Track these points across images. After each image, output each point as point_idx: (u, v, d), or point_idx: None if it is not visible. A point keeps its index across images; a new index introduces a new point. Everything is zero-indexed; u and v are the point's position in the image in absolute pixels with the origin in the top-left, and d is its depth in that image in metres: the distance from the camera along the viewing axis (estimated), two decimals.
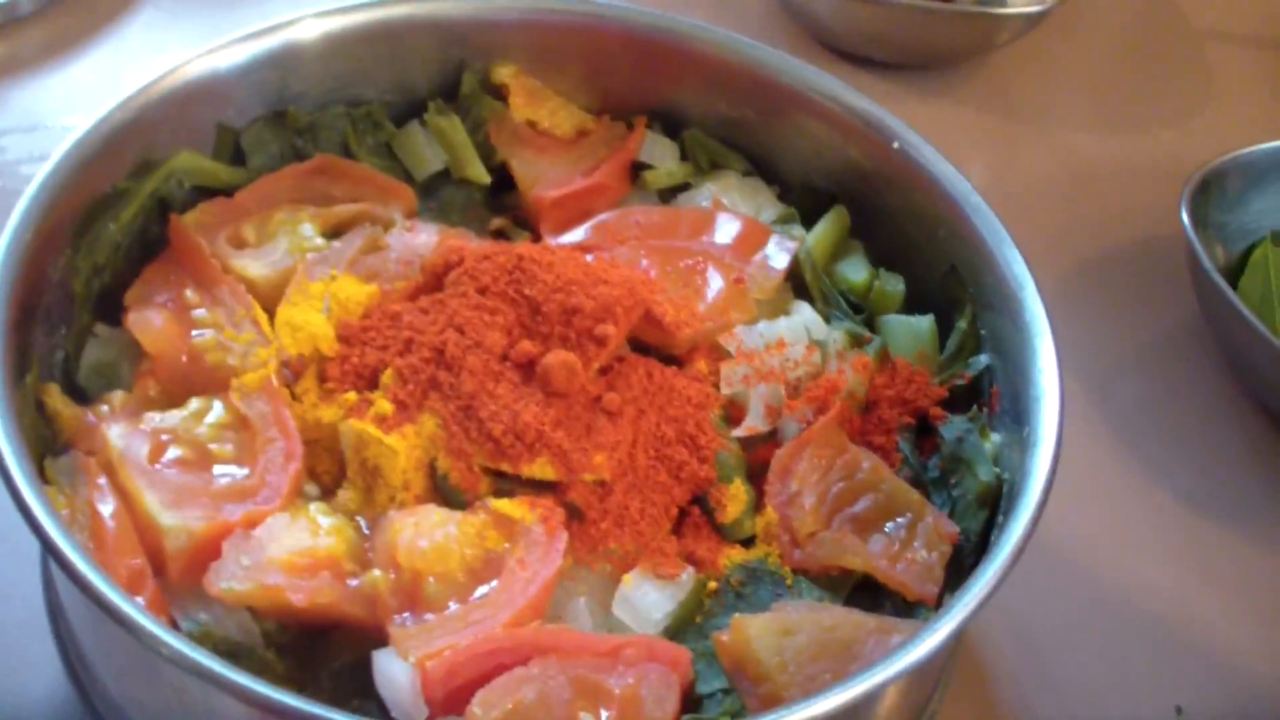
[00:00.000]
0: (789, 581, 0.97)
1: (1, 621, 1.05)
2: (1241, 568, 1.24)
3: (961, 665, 1.10)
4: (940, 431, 1.04)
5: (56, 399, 0.97)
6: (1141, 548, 1.25)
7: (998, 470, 1.00)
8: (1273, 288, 1.35)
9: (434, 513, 0.93)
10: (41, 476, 0.93)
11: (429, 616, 0.89)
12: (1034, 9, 1.62)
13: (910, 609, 0.96)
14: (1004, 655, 1.14)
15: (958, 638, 1.06)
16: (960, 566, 0.97)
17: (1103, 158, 1.63)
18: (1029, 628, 1.16)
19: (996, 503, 0.99)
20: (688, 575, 0.96)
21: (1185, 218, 1.34)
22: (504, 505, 0.95)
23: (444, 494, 0.96)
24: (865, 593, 0.97)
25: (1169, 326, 1.45)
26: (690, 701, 0.90)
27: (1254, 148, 1.43)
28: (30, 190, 0.97)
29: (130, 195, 1.06)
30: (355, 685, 0.89)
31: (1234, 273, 1.39)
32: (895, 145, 1.14)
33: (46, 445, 0.96)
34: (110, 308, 1.05)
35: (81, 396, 1.01)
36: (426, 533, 0.91)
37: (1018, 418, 1.00)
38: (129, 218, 1.06)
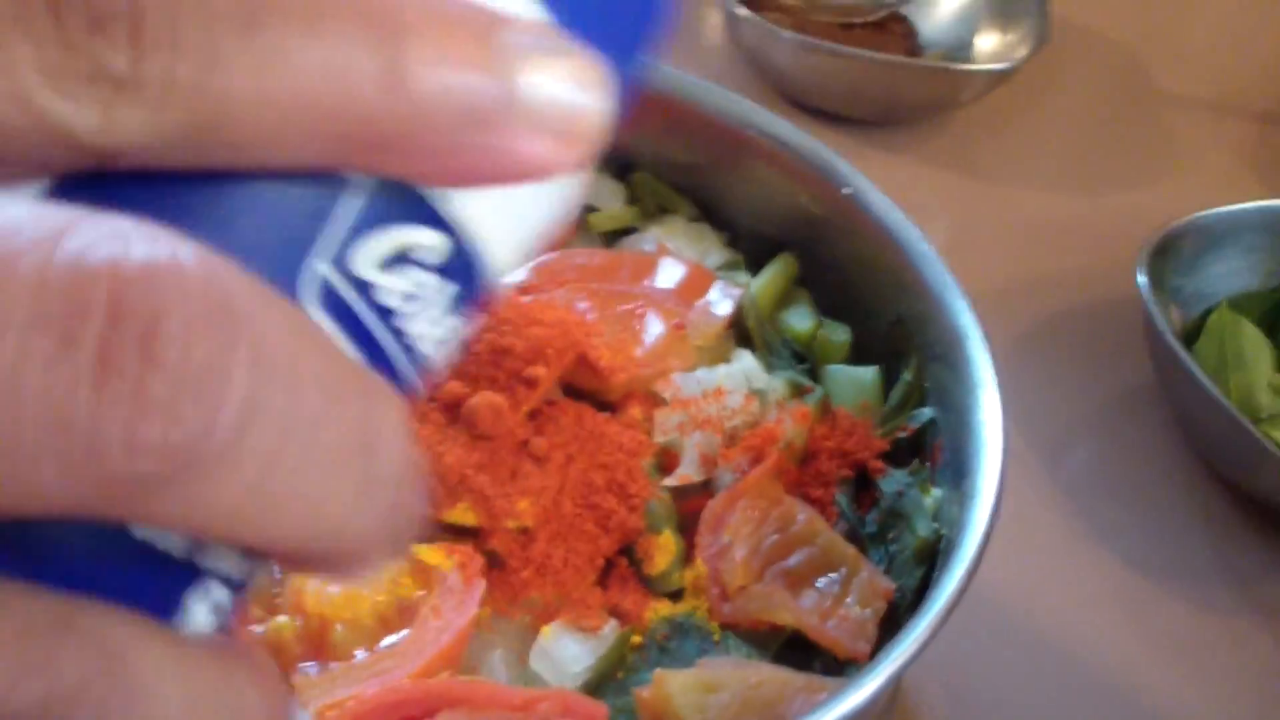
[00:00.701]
0: (716, 637, 0.93)
1: None
2: (1188, 632, 1.21)
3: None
4: (879, 485, 1.01)
5: None
6: (1088, 611, 1.22)
7: (936, 526, 0.97)
8: (1227, 353, 1.33)
9: None
10: None
11: (334, 665, 0.85)
12: (999, 66, 1.60)
13: (841, 668, 0.92)
14: (940, 714, 1.11)
15: (891, 695, 1.03)
16: (895, 624, 0.93)
17: (1062, 218, 1.61)
18: (969, 690, 1.13)
19: (934, 559, 0.96)
20: (610, 628, 0.93)
21: (1142, 280, 1.32)
22: (421, 551, 0.91)
23: None
24: (795, 650, 0.94)
25: (1123, 389, 1.43)
26: None
27: (1211, 211, 1.41)
28: None
29: None
30: None
31: (1190, 337, 1.37)
32: (845, 191, 1.12)
33: None
34: None
35: None
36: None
37: (959, 471, 0.97)
38: None
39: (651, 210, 1.20)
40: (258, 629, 0.87)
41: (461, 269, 0.33)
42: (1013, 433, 1.34)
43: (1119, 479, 1.35)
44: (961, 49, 1.69)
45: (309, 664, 0.85)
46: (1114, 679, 1.17)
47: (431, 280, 0.32)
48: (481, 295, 0.34)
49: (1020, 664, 1.17)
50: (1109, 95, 1.85)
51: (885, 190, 1.12)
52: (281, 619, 0.86)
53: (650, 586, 0.97)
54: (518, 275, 1.12)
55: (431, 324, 0.32)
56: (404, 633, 0.87)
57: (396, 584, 0.89)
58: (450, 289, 0.33)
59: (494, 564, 0.93)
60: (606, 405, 1.05)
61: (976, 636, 1.18)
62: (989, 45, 1.69)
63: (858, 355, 1.12)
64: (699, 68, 1.68)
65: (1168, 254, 1.38)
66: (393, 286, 0.31)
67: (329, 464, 0.29)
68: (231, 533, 0.28)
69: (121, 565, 0.30)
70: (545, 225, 0.35)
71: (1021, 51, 1.62)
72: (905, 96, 1.62)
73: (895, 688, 1.05)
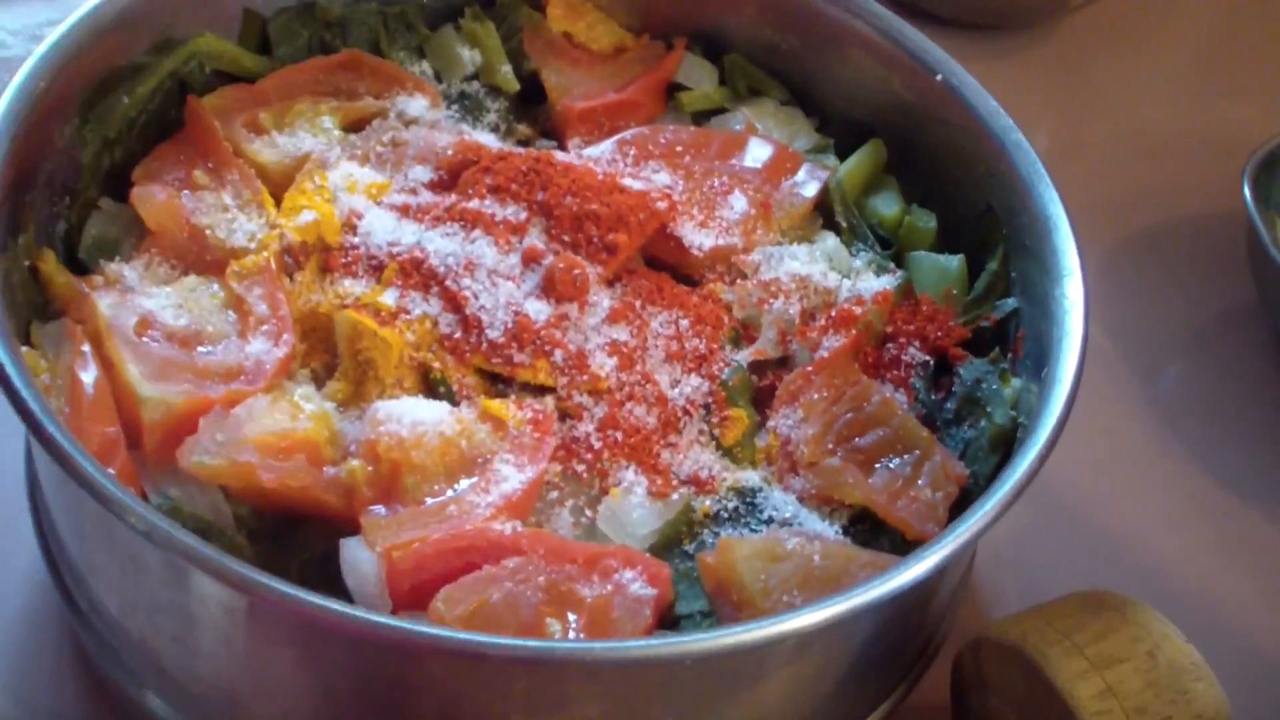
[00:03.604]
0: (785, 510, 0.93)
1: None
2: (1271, 549, 1.20)
3: (967, 623, 1.06)
4: (959, 372, 1.00)
5: (51, 265, 0.95)
6: (1169, 521, 1.21)
7: (1014, 414, 0.96)
8: None
9: (420, 406, 0.90)
10: (27, 340, 0.91)
11: (402, 509, 0.86)
12: None
13: (909, 549, 0.91)
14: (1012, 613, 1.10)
15: (960, 584, 1.02)
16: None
17: (1168, 130, 1.57)
18: (1041, 589, 1.11)
19: (1010, 448, 0.95)
20: (679, 495, 0.93)
21: (1247, 194, 1.29)
22: (494, 405, 0.92)
23: (436, 392, 0.93)
24: (864, 527, 0.93)
25: (1223, 306, 1.40)
26: (668, 622, 0.86)
27: None
28: (39, 51, 0.96)
29: (148, 71, 1.04)
30: (324, 577, 0.86)
31: None
32: (939, 78, 1.10)
33: (38, 311, 0.94)
34: (121, 185, 1.02)
35: (82, 270, 0.99)
36: (409, 425, 0.88)
37: (1041, 362, 0.96)
38: (144, 93, 1.04)
39: (742, 92, 1.19)
40: (330, 471, 0.88)
41: None
42: (1108, 343, 1.34)
43: (1212, 396, 1.32)
44: None
45: (378, 507, 0.86)
46: (1189, 588, 1.15)
47: None
48: None
49: (1096, 568, 1.15)
50: (1220, 4, 1.79)
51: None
52: (354, 463, 0.87)
53: (722, 456, 0.96)
54: (603, 147, 1.11)
55: None
56: (473, 481, 0.88)
57: (469, 435, 0.89)
58: None
59: (567, 423, 0.93)
60: (687, 278, 1.04)
61: (1053, 537, 1.17)
62: None
63: (944, 243, 1.10)
64: None
65: (1275, 168, 1.34)
66: None
67: None
68: None
69: None
70: None
71: None
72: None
73: (965, 577, 1.04)
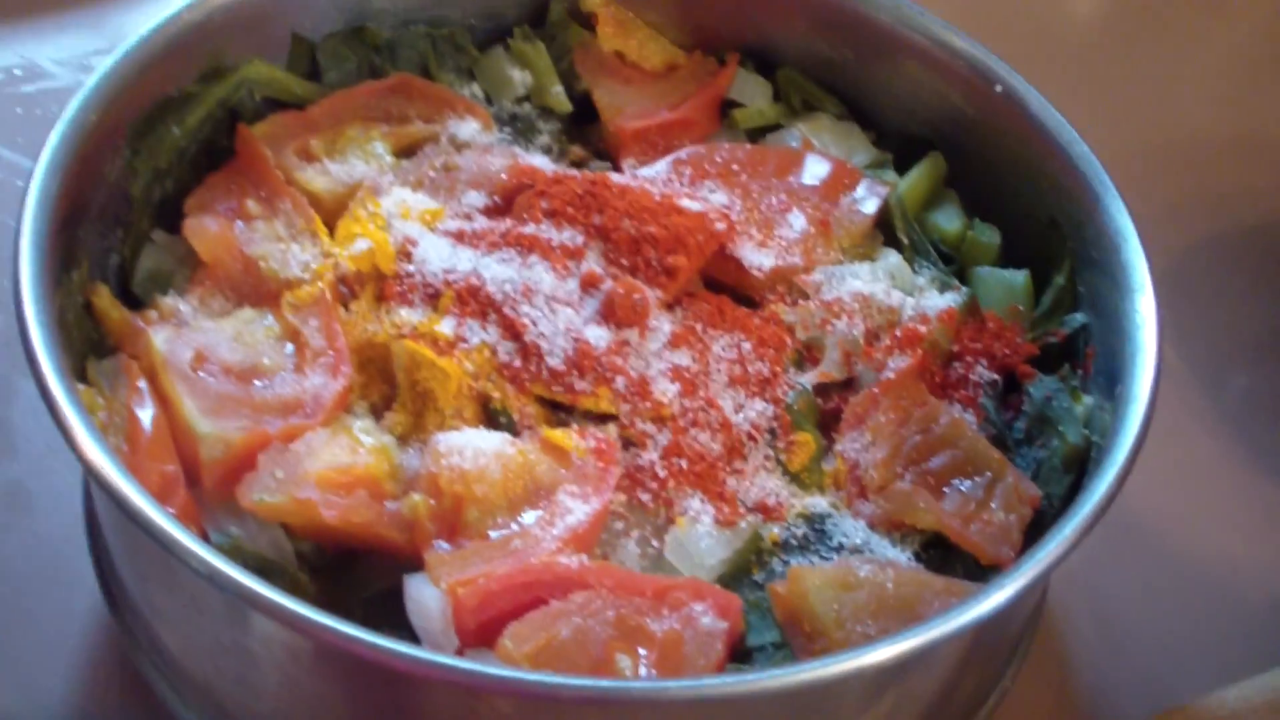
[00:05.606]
0: (855, 536, 0.91)
1: (47, 532, 1.03)
2: None
3: (1041, 646, 1.04)
4: (1028, 390, 0.98)
5: (105, 300, 0.94)
6: (1245, 539, 1.18)
7: (1087, 432, 0.94)
8: None
9: (481, 437, 0.88)
10: (82, 377, 0.90)
11: (467, 543, 0.84)
12: None
13: (983, 574, 0.89)
14: (1087, 639, 1.08)
15: (1035, 611, 1.00)
16: (1041, 534, 0.90)
17: (1233, 132, 1.54)
18: (1116, 612, 1.09)
19: (1084, 467, 0.93)
20: (746, 523, 0.91)
21: None
22: (556, 435, 0.90)
23: (496, 422, 0.92)
24: (936, 553, 0.91)
25: None
26: (739, 654, 0.85)
27: None
28: (89, 83, 0.95)
29: (197, 100, 1.03)
30: (388, 614, 0.85)
31: None
32: (998, 89, 1.08)
33: (94, 346, 0.93)
34: (172, 216, 1.01)
35: (136, 303, 0.98)
36: (471, 458, 0.86)
37: (1112, 378, 0.94)
38: (194, 123, 1.03)
39: (797, 107, 1.17)
40: (392, 506, 0.86)
41: None
42: (1173, 354, 1.31)
43: None
44: None
45: (441, 542, 0.84)
46: (1270, 608, 1.12)
47: None
48: None
49: (1170, 590, 1.13)
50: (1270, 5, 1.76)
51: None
52: (416, 497, 0.86)
53: (789, 482, 0.94)
54: (658, 168, 1.10)
55: None
56: (538, 513, 0.86)
57: (532, 466, 0.88)
58: None
59: (631, 451, 0.92)
60: (747, 299, 1.03)
61: (1126, 559, 1.14)
62: None
63: (1008, 258, 1.08)
64: None
65: None
66: None
67: None
68: None
69: None
70: None
71: None
72: None
73: (1040, 603, 1.02)
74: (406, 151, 1.07)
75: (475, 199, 1.03)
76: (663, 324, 0.97)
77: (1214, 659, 1.08)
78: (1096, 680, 1.06)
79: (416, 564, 0.85)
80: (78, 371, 0.90)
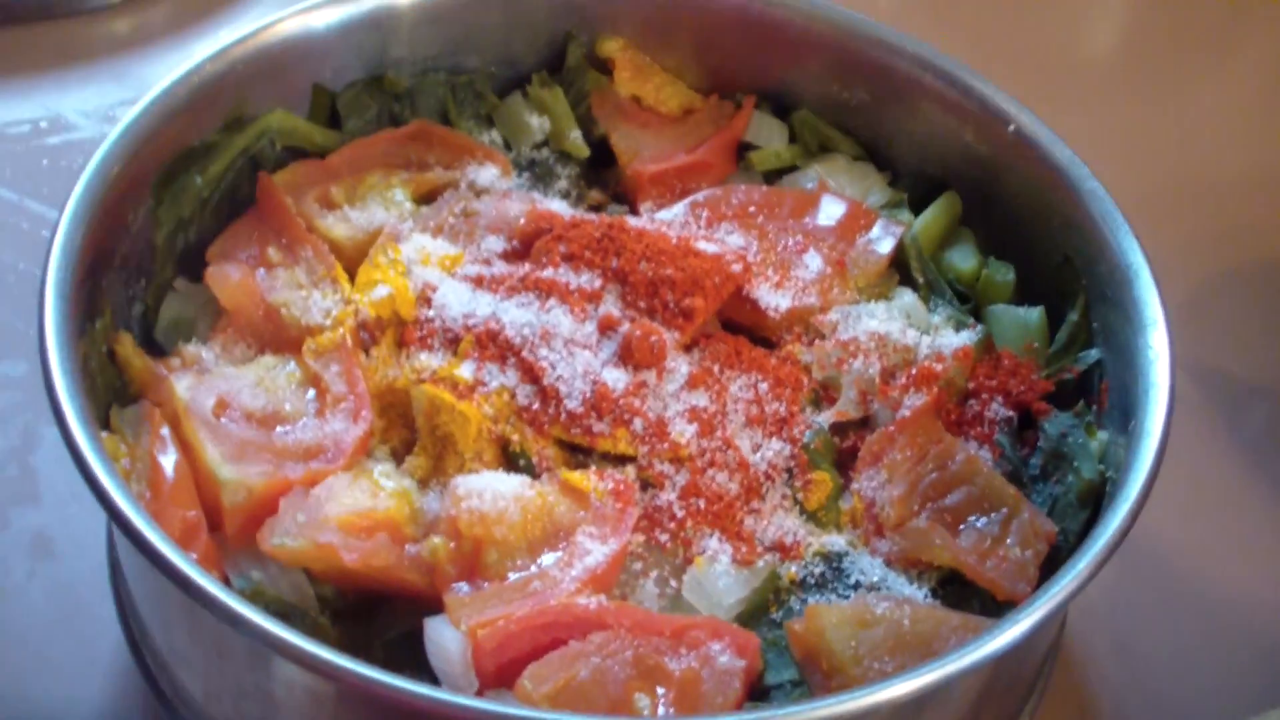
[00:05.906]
0: (872, 573, 0.91)
1: (71, 578, 1.04)
2: None
3: (1060, 679, 1.04)
4: (1043, 426, 0.99)
5: (128, 348, 0.95)
6: (1265, 570, 1.17)
7: (1102, 468, 0.94)
8: None
9: (500, 480, 0.89)
10: (105, 424, 0.92)
11: (486, 585, 0.85)
12: None
13: (999, 609, 0.89)
14: (1106, 673, 1.08)
15: (1053, 644, 1.00)
16: (1057, 569, 0.91)
17: (1245, 168, 1.55)
18: (1135, 645, 1.09)
19: (1099, 502, 0.93)
20: (764, 562, 0.91)
21: None
22: (575, 477, 0.91)
23: (515, 465, 0.93)
24: (953, 589, 0.92)
25: None
26: (757, 692, 0.85)
27: None
28: (113, 134, 0.96)
29: (219, 150, 1.05)
30: (408, 656, 0.86)
31: None
32: (1011, 129, 1.09)
33: (117, 394, 0.95)
34: (195, 264, 1.03)
35: (159, 351, 0.99)
36: (491, 500, 0.87)
37: (1126, 413, 0.94)
38: (216, 172, 1.04)
39: (813, 149, 1.18)
40: (412, 549, 0.87)
41: None
42: (1190, 387, 1.31)
43: None
44: None
45: (461, 584, 0.85)
46: None
47: None
48: None
49: (1190, 622, 1.13)
50: None
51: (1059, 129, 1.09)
52: (435, 540, 0.86)
53: (806, 521, 0.95)
54: (675, 210, 1.11)
55: None
56: (557, 555, 0.87)
57: (550, 508, 0.89)
58: None
59: (649, 492, 0.92)
60: (764, 339, 1.03)
61: (1144, 591, 1.14)
62: None
63: (1022, 295, 1.08)
64: (863, 4, 1.66)
65: None
66: None
67: None
68: None
69: None
70: None
71: None
72: None
73: (1058, 636, 1.02)
74: (426, 198, 1.09)
75: (494, 244, 1.04)
76: (680, 365, 0.97)
77: (1234, 691, 1.07)
78: (1116, 713, 1.06)
79: (436, 606, 0.85)
80: (101, 419, 0.91)
